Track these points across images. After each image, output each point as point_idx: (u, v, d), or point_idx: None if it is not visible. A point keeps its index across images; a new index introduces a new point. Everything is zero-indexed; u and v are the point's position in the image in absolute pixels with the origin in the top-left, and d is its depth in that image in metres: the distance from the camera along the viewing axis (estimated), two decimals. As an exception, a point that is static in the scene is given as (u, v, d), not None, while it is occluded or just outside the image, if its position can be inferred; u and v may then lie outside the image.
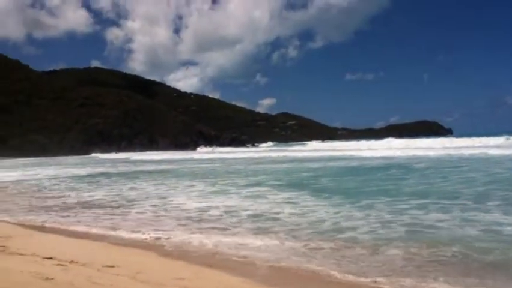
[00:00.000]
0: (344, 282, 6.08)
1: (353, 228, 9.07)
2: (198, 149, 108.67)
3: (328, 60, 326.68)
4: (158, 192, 17.03)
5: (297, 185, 17.50)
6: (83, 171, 32.57)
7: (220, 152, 73.41)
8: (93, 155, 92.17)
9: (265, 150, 77.92)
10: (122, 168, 36.18)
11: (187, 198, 14.63)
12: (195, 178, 22.95)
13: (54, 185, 22.36)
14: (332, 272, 6.44)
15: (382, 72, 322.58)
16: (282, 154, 48.44)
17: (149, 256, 7.39)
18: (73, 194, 17.64)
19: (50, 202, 15.38)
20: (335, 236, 8.59)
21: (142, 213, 12.26)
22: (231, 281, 6.05)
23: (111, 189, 18.76)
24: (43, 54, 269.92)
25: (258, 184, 18.30)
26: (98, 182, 23.28)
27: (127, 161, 50.96)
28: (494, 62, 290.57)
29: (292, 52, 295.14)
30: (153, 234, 9.11)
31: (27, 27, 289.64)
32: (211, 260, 7.23)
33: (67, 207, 13.88)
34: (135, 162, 48.52)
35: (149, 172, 30.08)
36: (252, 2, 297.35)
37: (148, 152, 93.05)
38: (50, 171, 34.84)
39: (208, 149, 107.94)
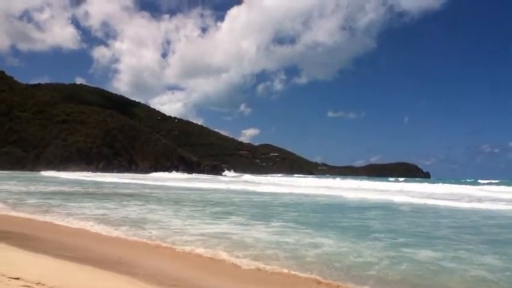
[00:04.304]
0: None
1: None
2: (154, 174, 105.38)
3: (312, 97, 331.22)
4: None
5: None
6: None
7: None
8: (42, 173, 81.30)
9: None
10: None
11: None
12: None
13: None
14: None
15: (364, 112, 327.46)
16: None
17: (120, 280, 7.20)
18: None
19: None
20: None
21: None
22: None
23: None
24: (27, 67, 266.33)
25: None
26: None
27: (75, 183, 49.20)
28: (473, 112, 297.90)
29: (277, 85, 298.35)
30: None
31: (12, 38, 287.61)
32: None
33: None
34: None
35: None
36: (240, 33, 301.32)
37: (121, 175, 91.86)
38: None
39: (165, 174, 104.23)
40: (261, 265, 8.90)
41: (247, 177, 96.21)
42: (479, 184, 64.64)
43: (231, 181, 66.98)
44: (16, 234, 11.64)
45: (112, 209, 18.63)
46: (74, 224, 13.97)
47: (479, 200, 30.53)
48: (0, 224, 13.39)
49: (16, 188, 31.50)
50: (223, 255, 9.74)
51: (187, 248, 10.34)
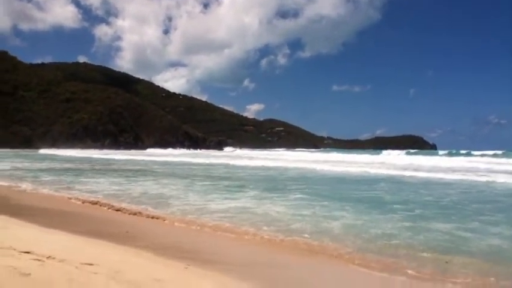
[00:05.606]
0: None
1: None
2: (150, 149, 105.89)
3: (316, 70, 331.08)
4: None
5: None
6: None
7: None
8: (40, 151, 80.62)
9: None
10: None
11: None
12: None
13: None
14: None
15: (369, 85, 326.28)
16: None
17: (129, 253, 7.26)
18: None
19: None
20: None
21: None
22: (225, 283, 5.95)
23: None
24: (29, 47, 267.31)
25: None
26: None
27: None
28: (479, 83, 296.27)
29: (281, 60, 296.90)
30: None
31: (13, 18, 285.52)
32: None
33: None
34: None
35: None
36: (242, 7, 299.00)
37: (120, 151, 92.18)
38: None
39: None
40: (287, 238, 8.97)
41: (239, 152, 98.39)
42: (472, 156, 63.64)
43: (229, 156, 67.22)
44: (30, 209, 11.79)
45: (126, 185, 18.79)
46: (92, 199, 14.03)
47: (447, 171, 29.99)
48: (19, 200, 13.59)
49: (25, 165, 31.98)
50: (249, 229, 9.78)
51: (211, 223, 10.37)
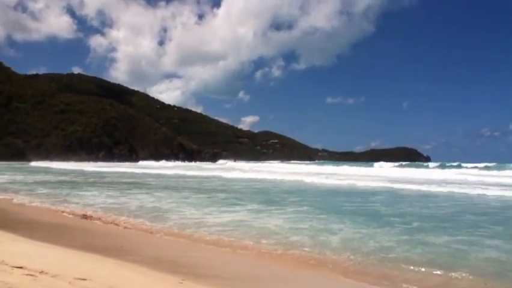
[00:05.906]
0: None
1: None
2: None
3: (310, 82, 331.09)
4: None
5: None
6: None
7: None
8: (32, 163, 79.68)
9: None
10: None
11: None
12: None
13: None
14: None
15: (363, 97, 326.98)
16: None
17: (123, 267, 7.15)
18: None
19: None
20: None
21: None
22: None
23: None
24: (23, 58, 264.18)
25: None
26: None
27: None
28: (473, 95, 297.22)
29: (276, 72, 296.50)
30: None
31: (7, 28, 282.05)
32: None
33: None
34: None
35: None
36: (237, 19, 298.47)
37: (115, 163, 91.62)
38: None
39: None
40: (286, 251, 8.92)
41: (233, 164, 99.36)
42: (463, 168, 63.45)
43: (223, 168, 67.25)
44: (26, 222, 11.68)
45: (122, 198, 18.62)
46: (88, 212, 13.88)
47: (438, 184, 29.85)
48: (15, 213, 13.42)
49: (20, 178, 31.83)
50: (247, 242, 9.70)
51: (207, 237, 10.28)
